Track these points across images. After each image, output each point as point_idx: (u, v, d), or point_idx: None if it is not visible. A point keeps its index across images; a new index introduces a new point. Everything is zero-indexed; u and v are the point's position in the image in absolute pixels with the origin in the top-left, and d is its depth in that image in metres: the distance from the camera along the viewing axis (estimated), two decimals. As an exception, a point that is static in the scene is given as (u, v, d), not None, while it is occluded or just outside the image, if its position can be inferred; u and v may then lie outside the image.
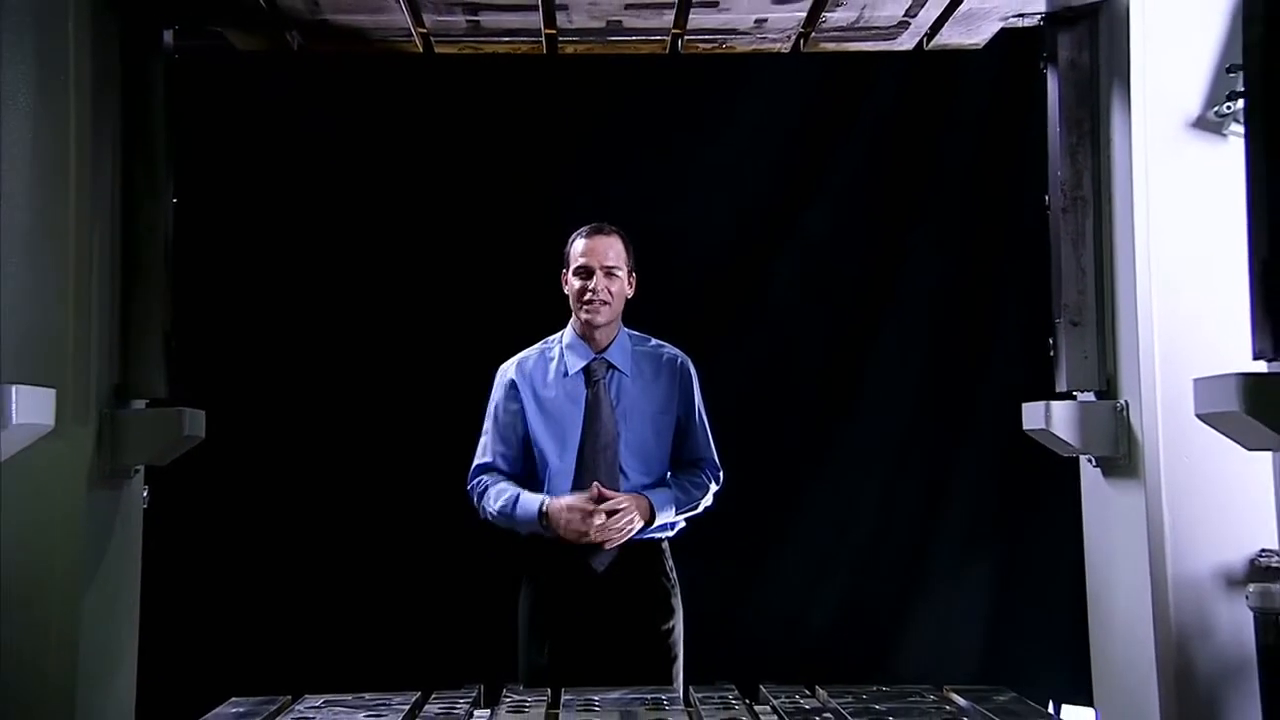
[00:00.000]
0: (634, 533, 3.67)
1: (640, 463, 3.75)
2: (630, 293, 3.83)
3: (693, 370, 3.87)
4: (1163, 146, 3.08)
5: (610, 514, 3.62)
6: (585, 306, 3.75)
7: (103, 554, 3.12)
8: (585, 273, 3.74)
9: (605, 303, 3.73)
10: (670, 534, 3.83)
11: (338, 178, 4.95)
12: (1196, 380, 2.41)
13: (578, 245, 3.77)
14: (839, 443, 5.24)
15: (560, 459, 3.74)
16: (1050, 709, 4.65)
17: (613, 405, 3.76)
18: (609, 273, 3.73)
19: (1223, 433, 2.38)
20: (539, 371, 3.81)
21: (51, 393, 2.38)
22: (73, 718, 2.93)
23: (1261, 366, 2.32)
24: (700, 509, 3.84)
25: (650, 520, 3.70)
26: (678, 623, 3.80)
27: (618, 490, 3.70)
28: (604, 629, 3.68)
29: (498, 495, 3.75)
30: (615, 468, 3.72)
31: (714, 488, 3.85)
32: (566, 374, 3.79)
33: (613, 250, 3.74)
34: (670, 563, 3.84)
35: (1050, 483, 4.01)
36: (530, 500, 3.69)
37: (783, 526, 5.23)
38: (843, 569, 5.24)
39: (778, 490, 5.19)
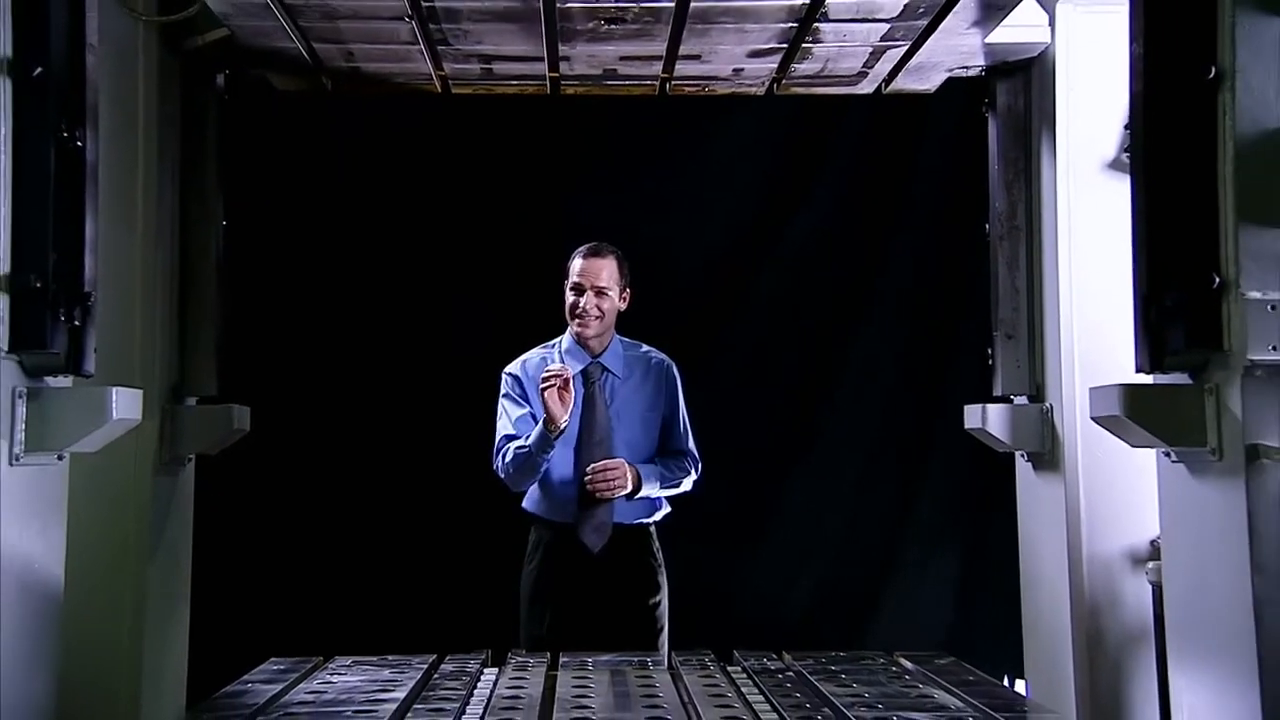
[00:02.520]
0: (624, 491, 4.03)
1: (630, 454, 4.14)
2: (623, 306, 4.19)
3: (677, 373, 4.27)
4: (1083, 183, 3.52)
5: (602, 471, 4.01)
6: (576, 321, 4.12)
7: (163, 530, 3.56)
8: (578, 290, 4.10)
9: (595, 319, 4.09)
10: (657, 519, 4.26)
11: (366, 201, 5.31)
12: (1091, 389, 2.86)
13: (575, 264, 4.13)
14: (816, 438, 5.64)
15: (560, 450, 4.10)
16: (1005, 681, 5.07)
17: (607, 404, 4.16)
18: (599, 292, 4.08)
19: (1112, 433, 2.83)
20: (541, 373, 4.13)
21: (139, 393, 2.80)
22: (140, 669, 3.37)
23: (1145, 379, 2.77)
24: (680, 490, 4.22)
25: (637, 487, 4.06)
26: (663, 598, 4.23)
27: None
28: (597, 603, 4.08)
29: (513, 450, 4.08)
30: (608, 458, 4.11)
31: (693, 474, 4.24)
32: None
33: (605, 271, 4.10)
34: (657, 545, 4.25)
35: (1010, 477, 4.30)
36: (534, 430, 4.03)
37: (764, 514, 5.63)
38: (819, 553, 5.64)
39: (759, 482, 5.60)
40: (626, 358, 4.24)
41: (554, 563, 4.14)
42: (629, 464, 4.08)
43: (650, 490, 4.13)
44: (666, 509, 4.26)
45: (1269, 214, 2.47)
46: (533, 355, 4.27)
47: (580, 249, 4.16)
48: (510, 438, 4.14)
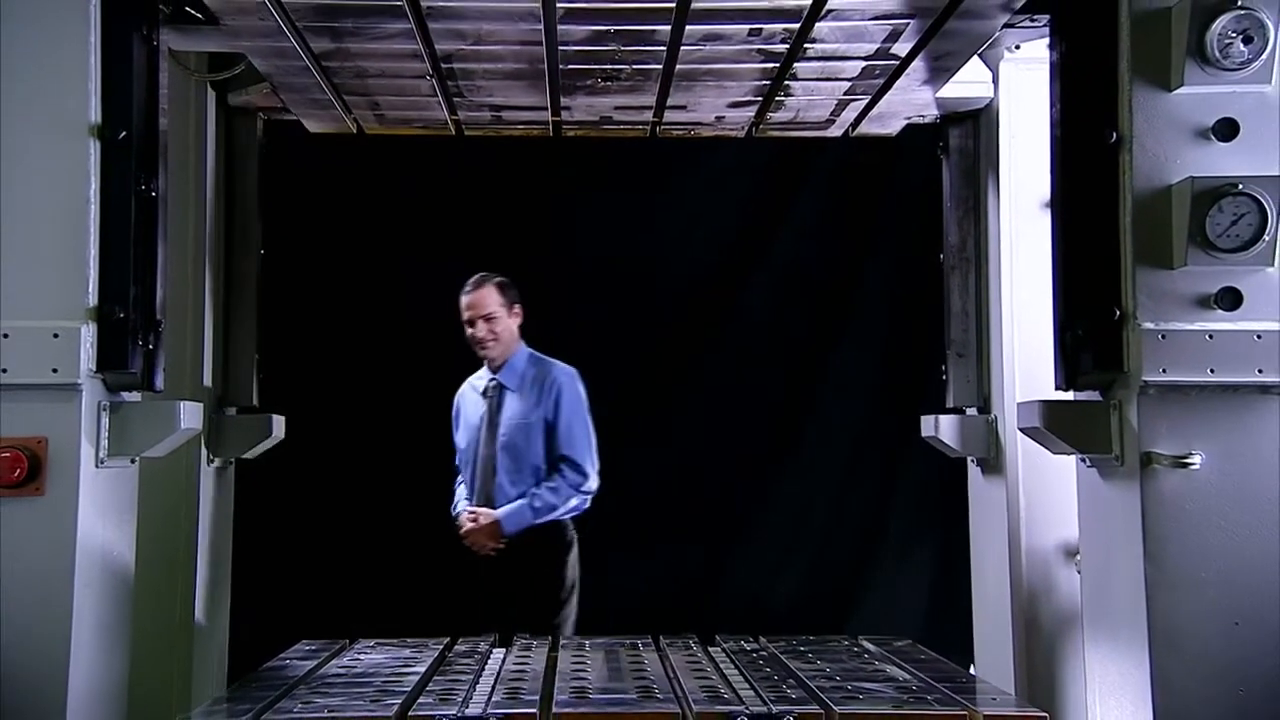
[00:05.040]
0: (494, 543, 4.62)
1: (510, 460, 4.67)
2: (515, 322, 4.68)
3: (565, 382, 4.69)
4: (1023, 219, 3.96)
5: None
6: (477, 349, 4.69)
7: (208, 527, 3.99)
8: (470, 323, 4.66)
9: (492, 342, 4.65)
10: (569, 514, 4.72)
11: (388, 229, 5.74)
12: (1018, 404, 3.31)
13: (462, 300, 4.67)
14: (799, 443, 6.04)
15: (467, 459, 4.76)
16: (972, 667, 5.45)
17: (496, 415, 4.68)
18: (488, 319, 4.63)
19: (1036, 442, 3.27)
20: (468, 391, 4.80)
21: (200, 405, 3.24)
22: (191, 647, 3.82)
23: (1064, 396, 3.20)
24: (565, 506, 4.65)
25: (502, 532, 4.62)
26: (567, 581, 4.71)
27: (492, 489, 4.66)
28: (508, 589, 4.68)
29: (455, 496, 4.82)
30: (490, 466, 4.67)
31: (568, 485, 4.65)
32: (478, 392, 4.76)
33: (489, 299, 4.64)
34: (565, 537, 4.71)
35: None
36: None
37: (750, 513, 6.03)
38: (802, 549, 6.03)
39: (746, 482, 6.01)
40: (524, 371, 4.74)
41: (480, 560, 4.74)
42: (490, 519, 4.64)
43: (521, 526, 4.64)
44: (570, 508, 4.72)
45: (1160, 258, 2.93)
46: (470, 378, 4.89)
47: (466, 285, 4.69)
48: (458, 468, 4.88)
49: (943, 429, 4.14)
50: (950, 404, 4.23)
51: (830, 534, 6.06)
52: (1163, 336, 2.90)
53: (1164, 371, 2.89)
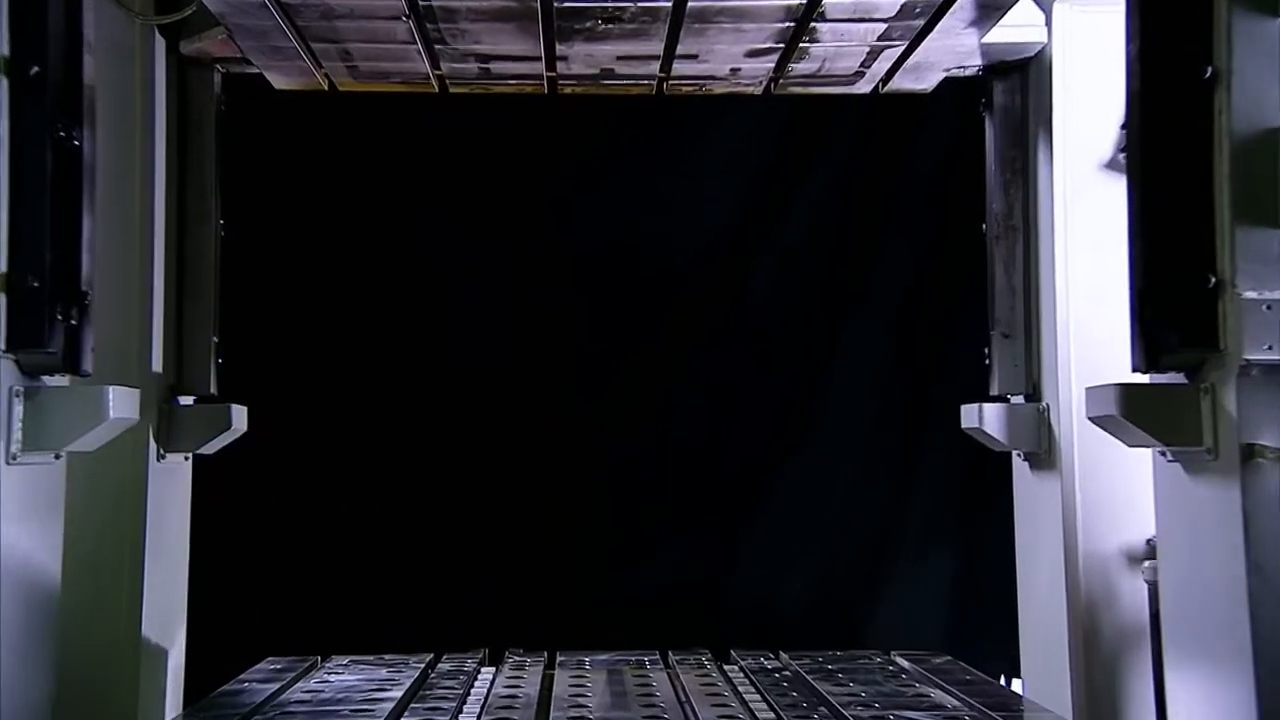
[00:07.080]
0: None
1: None
2: None
3: None
4: (1079, 183, 3.54)
5: None
6: None
7: (160, 529, 3.55)
8: None
9: None
10: None
11: (363, 201, 5.32)
12: (1087, 389, 2.87)
13: None
14: (813, 436, 5.66)
15: None
16: (1002, 680, 5.09)
17: None
18: None
19: (1109, 432, 2.84)
20: None
21: (136, 392, 2.81)
22: (137, 667, 3.38)
23: (1141, 379, 2.78)
24: None
25: None
26: None
27: None
28: None
29: None
30: None
31: None
32: None
33: None
34: None
35: (1004, 476, 4.31)
36: None
37: (761, 512, 5.67)
38: (816, 552, 5.66)
39: (756, 480, 5.63)
40: None
41: None
42: None
43: None
44: None
45: (1265, 214, 2.49)
46: None
47: None
48: None
49: (986, 420, 3.70)
50: (995, 391, 3.80)
51: (846, 534, 5.68)
52: (1268, 308, 2.47)
53: (1270, 349, 2.46)
